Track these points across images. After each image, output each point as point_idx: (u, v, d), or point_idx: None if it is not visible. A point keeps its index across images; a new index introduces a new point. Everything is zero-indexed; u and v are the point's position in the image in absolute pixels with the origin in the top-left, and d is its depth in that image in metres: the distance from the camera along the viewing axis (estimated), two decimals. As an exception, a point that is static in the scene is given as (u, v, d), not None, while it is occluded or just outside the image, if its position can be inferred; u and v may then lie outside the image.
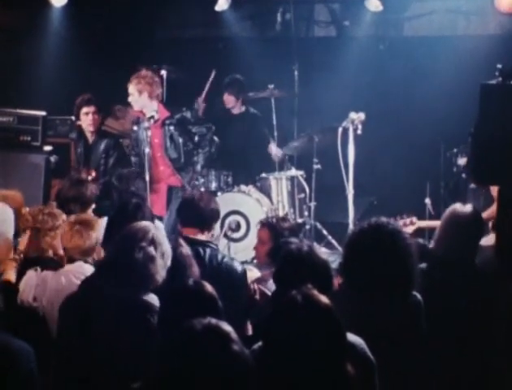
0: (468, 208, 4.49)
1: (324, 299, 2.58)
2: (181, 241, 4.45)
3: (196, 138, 7.57)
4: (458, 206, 4.51)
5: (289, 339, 2.47)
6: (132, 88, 7.29)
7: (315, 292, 2.60)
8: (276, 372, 2.49)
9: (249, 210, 7.80)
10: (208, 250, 4.82)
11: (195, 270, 4.33)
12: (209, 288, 3.27)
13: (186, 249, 4.36)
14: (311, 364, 2.45)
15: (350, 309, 3.37)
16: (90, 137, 7.86)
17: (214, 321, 2.43)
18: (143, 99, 7.29)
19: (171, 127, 7.33)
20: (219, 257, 4.81)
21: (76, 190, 5.77)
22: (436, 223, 5.55)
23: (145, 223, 3.92)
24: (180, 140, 7.33)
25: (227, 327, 2.43)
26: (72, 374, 3.64)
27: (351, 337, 3.15)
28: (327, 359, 2.48)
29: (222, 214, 7.35)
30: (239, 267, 4.82)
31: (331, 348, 2.49)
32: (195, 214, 4.98)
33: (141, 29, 9.86)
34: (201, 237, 4.94)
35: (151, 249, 3.73)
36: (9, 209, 5.03)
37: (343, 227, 6.94)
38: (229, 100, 8.71)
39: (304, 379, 2.45)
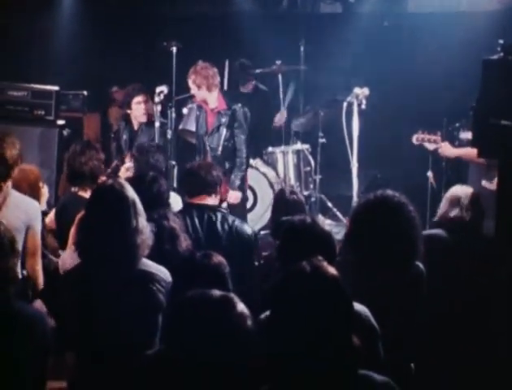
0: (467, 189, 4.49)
1: (332, 270, 2.57)
2: (168, 214, 4.46)
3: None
4: (459, 188, 4.51)
5: (297, 309, 2.47)
6: (190, 83, 7.12)
7: (324, 263, 2.60)
8: (283, 343, 2.50)
9: (256, 183, 7.82)
10: (219, 215, 4.85)
11: (182, 241, 4.34)
12: (215, 259, 3.28)
13: (172, 222, 4.38)
14: (318, 335, 2.45)
15: (354, 278, 3.38)
16: (136, 124, 7.79)
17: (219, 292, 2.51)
18: (202, 92, 7.17)
19: (223, 119, 7.21)
20: (230, 220, 4.84)
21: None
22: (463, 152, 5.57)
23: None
24: (225, 132, 7.21)
25: (232, 295, 2.51)
26: (80, 349, 3.64)
27: (355, 306, 3.16)
28: (334, 330, 2.48)
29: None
30: (249, 230, 4.87)
31: (338, 319, 2.49)
32: (198, 181, 4.98)
33: (151, 6, 9.81)
34: (210, 201, 4.96)
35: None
36: None
37: (347, 200, 6.95)
38: (248, 82, 8.69)
39: (310, 350, 2.46)
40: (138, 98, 7.62)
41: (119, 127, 7.89)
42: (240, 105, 7.27)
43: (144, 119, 7.64)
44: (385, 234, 3.63)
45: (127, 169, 6.71)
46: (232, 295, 2.55)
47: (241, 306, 2.52)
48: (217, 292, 2.54)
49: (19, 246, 3.62)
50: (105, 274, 3.55)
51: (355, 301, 3.06)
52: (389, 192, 3.79)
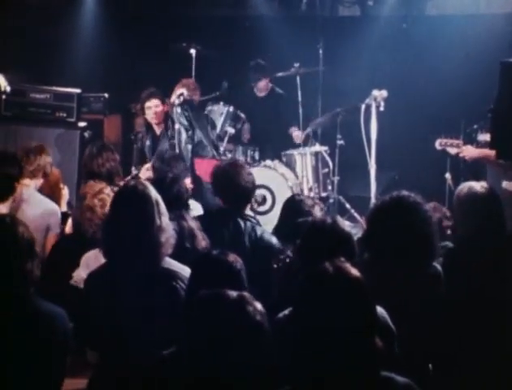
0: (482, 185, 4.42)
1: (355, 271, 2.56)
2: (184, 214, 4.46)
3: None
4: (473, 185, 4.44)
5: (319, 310, 2.46)
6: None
7: (347, 264, 2.58)
8: (305, 343, 2.49)
9: (274, 185, 7.80)
10: (248, 224, 4.81)
11: (200, 239, 4.35)
12: (231, 257, 3.28)
13: (190, 222, 4.39)
14: (340, 336, 2.44)
15: (370, 279, 3.37)
16: (157, 129, 7.82)
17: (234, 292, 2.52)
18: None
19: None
20: (259, 231, 4.78)
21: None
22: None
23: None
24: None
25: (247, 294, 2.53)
26: (103, 348, 3.65)
27: None
28: (357, 331, 2.46)
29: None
30: (277, 244, 4.77)
31: (360, 321, 2.48)
32: (232, 190, 4.92)
33: (171, 9, 9.84)
34: (241, 211, 4.92)
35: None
36: None
37: (365, 201, 6.91)
38: (263, 83, 8.69)
39: (332, 352, 2.45)
40: (148, 103, 7.67)
41: (142, 133, 7.92)
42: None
43: (155, 121, 7.69)
44: (401, 234, 3.61)
45: (147, 169, 6.74)
46: (247, 294, 2.55)
47: (257, 305, 2.52)
48: (232, 292, 2.55)
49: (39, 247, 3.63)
50: (129, 273, 3.57)
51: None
52: (405, 192, 3.77)
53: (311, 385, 2.45)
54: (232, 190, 4.92)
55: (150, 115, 7.72)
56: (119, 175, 5.87)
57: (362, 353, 2.45)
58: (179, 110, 7.22)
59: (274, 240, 4.80)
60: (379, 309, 3.17)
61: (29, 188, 5.22)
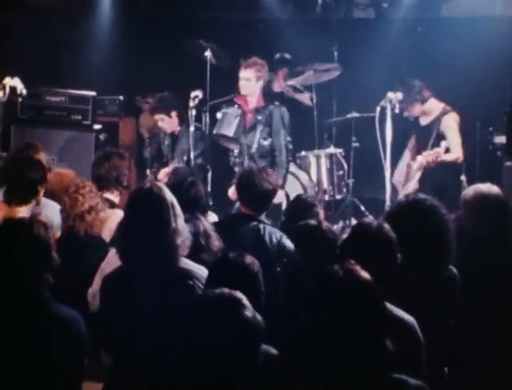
0: (491, 188, 4.39)
1: (365, 274, 2.56)
2: (198, 215, 4.47)
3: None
4: (479, 186, 4.41)
5: (329, 313, 2.47)
6: (250, 73, 7.14)
7: (357, 267, 2.57)
8: (316, 346, 2.50)
9: (288, 187, 7.78)
10: (267, 228, 4.83)
11: (214, 239, 4.35)
12: (248, 259, 3.27)
13: (204, 222, 4.41)
14: (350, 339, 2.44)
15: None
16: (176, 131, 7.83)
17: (227, 290, 2.56)
18: (258, 87, 7.18)
19: (260, 117, 7.16)
20: (278, 235, 4.80)
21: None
22: None
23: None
24: (261, 130, 7.21)
25: (239, 295, 2.56)
26: (120, 351, 3.65)
27: (403, 315, 3.15)
28: (366, 334, 2.46)
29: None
30: (293, 247, 4.78)
31: (370, 324, 2.47)
32: (253, 195, 4.96)
33: (185, 11, 9.85)
34: (258, 216, 4.95)
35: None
36: None
37: (380, 204, 6.89)
38: (285, 76, 8.68)
39: (342, 354, 2.44)
40: (158, 116, 7.66)
41: (159, 132, 7.92)
42: (277, 103, 7.27)
43: (167, 132, 7.69)
44: (417, 237, 3.60)
45: (166, 174, 6.75)
46: (240, 296, 2.56)
47: (248, 310, 2.52)
48: (224, 294, 2.56)
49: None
50: (145, 275, 3.57)
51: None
52: (421, 195, 3.77)
53: (321, 387, 2.45)
54: (252, 193, 4.96)
55: (161, 127, 7.74)
56: (126, 178, 5.89)
57: (371, 355, 2.46)
58: (194, 112, 7.22)
59: (290, 243, 4.80)
60: (410, 318, 3.17)
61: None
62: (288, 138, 7.28)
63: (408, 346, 2.96)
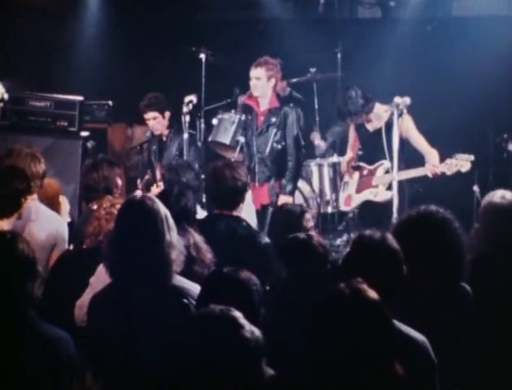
0: (505, 196, 4.39)
1: (373, 294, 2.55)
2: (187, 227, 4.49)
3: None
4: (494, 196, 4.42)
5: (335, 334, 2.48)
6: (261, 72, 7.12)
7: (365, 286, 2.57)
8: (321, 366, 2.50)
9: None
10: (232, 224, 4.92)
11: (204, 251, 4.37)
12: (243, 274, 3.26)
13: (194, 234, 4.43)
14: (356, 360, 2.44)
15: (396, 300, 3.36)
16: (164, 134, 7.86)
17: (219, 308, 2.54)
18: (269, 86, 7.20)
19: (273, 119, 7.17)
20: (241, 230, 4.89)
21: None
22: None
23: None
24: (274, 133, 7.22)
25: (234, 313, 2.53)
26: (110, 373, 3.64)
27: (413, 334, 3.14)
28: (373, 357, 2.46)
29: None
30: (262, 240, 4.91)
31: (377, 347, 2.47)
32: (222, 194, 5.06)
33: (181, 11, 9.87)
34: (231, 213, 5.02)
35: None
36: None
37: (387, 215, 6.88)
38: (281, 87, 8.70)
39: (348, 376, 2.45)
40: (145, 115, 7.69)
41: (147, 138, 7.95)
42: (292, 105, 7.29)
43: (157, 132, 7.71)
44: (429, 252, 3.60)
45: (157, 187, 6.76)
46: (237, 314, 2.55)
47: (246, 328, 2.51)
48: (219, 312, 2.55)
49: (42, 265, 3.63)
50: (139, 292, 3.57)
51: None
52: (433, 207, 3.76)
53: None
54: (218, 190, 5.06)
55: (150, 127, 7.76)
56: (116, 188, 5.87)
57: (379, 378, 2.46)
58: (188, 118, 7.24)
59: (260, 236, 5.00)
60: (421, 338, 3.16)
61: (35, 201, 5.24)
62: (303, 142, 7.29)
63: (419, 367, 2.96)
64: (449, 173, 6.61)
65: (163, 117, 7.70)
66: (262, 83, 7.10)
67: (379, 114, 6.96)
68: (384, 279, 3.00)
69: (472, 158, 6.50)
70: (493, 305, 4.02)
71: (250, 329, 2.52)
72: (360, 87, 6.99)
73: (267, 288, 4.40)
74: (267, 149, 7.12)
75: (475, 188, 7.20)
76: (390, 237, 3.39)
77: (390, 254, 3.31)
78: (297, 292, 3.93)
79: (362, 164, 7.28)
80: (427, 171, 6.69)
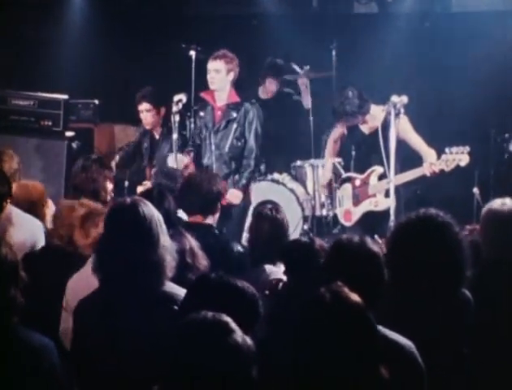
0: (506, 203, 4.40)
1: (355, 297, 2.59)
2: (183, 232, 4.51)
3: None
4: (496, 204, 4.43)
5: (317, 339, 2.50)
6: (220, 65, 7.10)
7: (345, 289, 2.60)
8: (304, 373, 2.53)
9: (283, 201, 7.77)
10: (205, 234, 4.96)
11: (200, 258, 4.38)
12: (233, 281, 3.26)
13: (190, 241, 4.47)
14: (340, 366, 2.47)
15: (392, 305, 3.36)
16: (156, 133, 7.84)
17: (211, 314, 2.54)
18: (228, 80, 7.18)
19: (234, 114, 7.17)
20: (212, 240, 4.96)
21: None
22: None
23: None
24: (234, 129, 7.20)
25: (225, 318, 2.53)
26: (96, 375, 3.64)
27: (400, 339, 3.15)
28: (357, 361, 2.48)
29: (254, 203, 7.38)
30: (235, 248, 5.01)
31: (361, 350, 2.50)
32: (195, 199, 5.15)
33: (169, 6, 9.88)
34: (205, 221, 5.12)
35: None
36: None
37: (384, 219, 6.89)
38: (273, 85, 8.72)
39: (332, 381, 2.48)
40: (139, 107, 7.68)
41: (139, 135, 7.94)
42: (253, 100, 7.30)
43: (147, 126, 7.71)
44: (428, 257, 3.60)
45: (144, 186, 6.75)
46: (227, 319, 2.56)
47: (237, 334, 2.52)
48: (212, 317, 2.55)
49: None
50: (128, 297, 3.56)
51: (394, 330, 3.06)
52: (432, 211, 3.76)
53: None
54: (196, 199, 5.17)
55: (143, 120, 7.74)
56: (104, 191, 5.87)
57: (364, 383, 2.49)
58: (177, 118, 7.21)
59: (233, 245, 5.10)
60: (407, 343, 3.17)
61: (9, 204, 5.23)
62: (260, 141, 7.30)
63: (406, 373, 2.97)
64: (447, 169, 6.58)
65: (157, 112, 7.69)
66: (221, 76, 7.10)
67: (375, 115, 6.96)
68: (364, 284, 3.00)
69: (468, 148, 6.45)
70: (498, 313, 4.03)
71: (242, 335, 2.53)
72: (357, 87, 6.97)
73: (267, 292, 4.42)
74: (227, 146, 7.13)
75: (475, 190, 7.20)
76: (369, 241, 3.42)
77: (370, 258, 3.33)
78: (298, 296, 3.94)
79: (352, 175, 7.24)
80: (424, 170, 6.67)
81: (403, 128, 6.81)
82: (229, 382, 2.46)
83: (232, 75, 7.14)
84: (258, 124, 7.19)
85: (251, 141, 7.14)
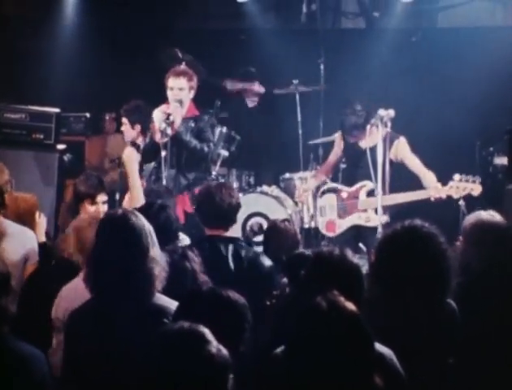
0: (493, 216, 4.42)
1: (351, 306, 2.60)
2: (186, 251, 4.49)
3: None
4: (482, 214, 4.45)
5: (313, 348, 2.51)
6: (184, 82, 7.11)
7: (341, 298, 2.62)
8: (300, 381, 2.54)
9: (272, 213, 7.80)
10: (231, 247, 4.89)
11: (197, 276, 4.37)
12: (227, 294, 3.27)
13: (192, 264, 4.42)
14: (336, 374, 2.48)
15: (379, 316, 3.38)
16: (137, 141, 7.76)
17: (188, 324, 2.54)
18: (189, 97, 7.16)
19: (191, 125, 7.18)
20: (243, 252, 4.88)
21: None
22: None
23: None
24: (188, 140, 7.16)
25: (202, 329, 2.54)
26: (89, 385, 3.63)
27: (380, 348, 3.16)
28: (353, 370, 2.50)
29: (243, 216, 7.40)
30: (266, 262, 4.89)
31: (356, 359, 2.51)
32: (214, 212, 5.05)
33: (160, 20, 9.90)
34: (225, 234, 5.02)
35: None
36: None
37: (371, 231, 6.92)
38: (255, 89, 8.76)
39: (329, 389, 2.47)
40: (123, 120, 7.46)
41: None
42: (211, 111, 7.31)
43: (127, 139, 7.55)
44: (414, 268, 3.62)
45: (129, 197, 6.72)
46: (203, 330, 2.56)
47: (212, 345, 2.53)
48: (188, 327, 2.56)
49: (15, 282, 3.63)
50: (119, 308, 3.57)
51: (380, 340, 3.07)
52: (418, 222, 3.79)
53: None
54: (211, 210, 5.05)
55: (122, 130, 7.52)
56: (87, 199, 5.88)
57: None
58: (168, 131, 7.10)
59: (262, 258, 4.93)
60: (387, 351, 3.19)
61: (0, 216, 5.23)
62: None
63: (387, 381, 2.98)
64: (456, 196, 6.58)
65: (132, 128, 7.43)
66: (185, 93, 7.11)
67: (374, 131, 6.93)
68: (345, 296, 3.01)
69: (479, 178, 6.45)
70: (486, 323, 4.04)
71: (217, 346, 2.53)
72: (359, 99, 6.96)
73: (268, 303, 4.43)
74: (183, 157, 7.11)
75: (461, 202, 7.22)
76: (350, 253, 3.45)
77: (350, 271, 3.37)
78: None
79: (338, 186, 7.23)
80: (430, 194, 6.64)
81: (402, 150, 6.83)
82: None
83: (192, 93, 7.15)
84: (212, 134, 7.23)
85: (206, 152, 7.10)
